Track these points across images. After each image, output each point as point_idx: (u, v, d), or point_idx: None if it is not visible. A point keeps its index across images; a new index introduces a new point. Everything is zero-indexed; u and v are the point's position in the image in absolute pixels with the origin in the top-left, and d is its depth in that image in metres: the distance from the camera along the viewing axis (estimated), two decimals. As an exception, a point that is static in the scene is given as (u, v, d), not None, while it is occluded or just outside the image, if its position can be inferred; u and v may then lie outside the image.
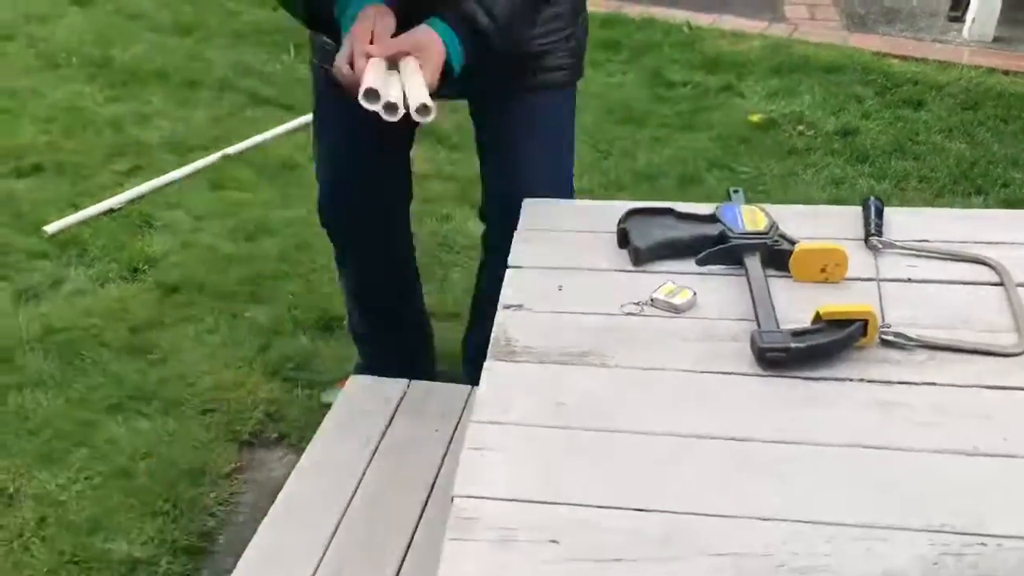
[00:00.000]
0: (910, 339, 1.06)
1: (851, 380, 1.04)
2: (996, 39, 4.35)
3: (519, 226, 1.37)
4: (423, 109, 1.28)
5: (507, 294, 1.22)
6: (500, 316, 1.17)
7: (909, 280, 1.20)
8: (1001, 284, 1.15)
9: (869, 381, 1.04)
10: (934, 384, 1.03)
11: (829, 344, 1.05)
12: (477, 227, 3.02)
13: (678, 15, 4.67)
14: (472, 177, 3.32)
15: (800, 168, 3.38)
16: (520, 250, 1.31)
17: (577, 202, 1.67)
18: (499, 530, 0.88)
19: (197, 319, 2.61)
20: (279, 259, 2.86)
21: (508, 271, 1.27)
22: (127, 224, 3.01)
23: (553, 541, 0.87)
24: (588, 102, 3.70)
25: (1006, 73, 4.05)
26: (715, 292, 1.19)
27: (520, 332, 1.14)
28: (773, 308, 1.11)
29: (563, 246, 1.32)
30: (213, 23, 4.64)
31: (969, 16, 4.40)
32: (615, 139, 3.58)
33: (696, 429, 0.99)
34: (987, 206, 3.11)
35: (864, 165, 3.40)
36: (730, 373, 1.06)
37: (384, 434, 1.60)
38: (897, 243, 1.23)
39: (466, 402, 1.66)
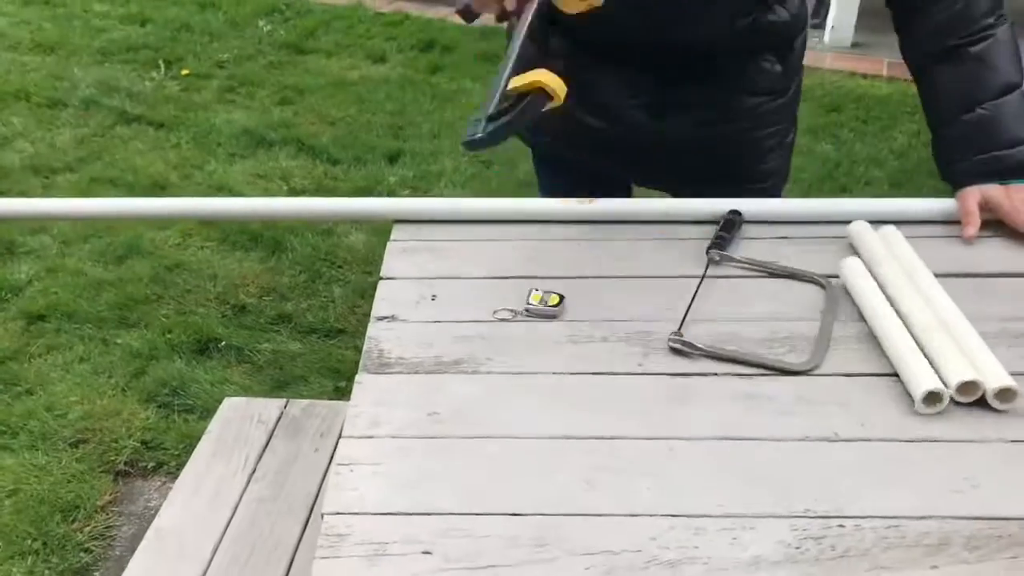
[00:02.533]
0: (696, 348, 1.08)
1: (716, 375, 1.06)
2: (854, 44, 4.56)
3: (390, 240, 1.36)
4: None
5: (379, 306, 1.20)
6: (372, 329, 1.16)
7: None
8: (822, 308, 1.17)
9: (736, 375, 1.06)
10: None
11: (514, 119, 1.07)
12: (359, 240, 3.01)
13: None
14: (353, 190, 3.30)
15: (675, 173, 3.46)
16: (392, 262, 1.30)
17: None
18: (370, 545, 0.86)
19: (65, 347, 2.51)
20: (151, 281, 2.77)
21: (380, 283, 1.26)
22: (-13, 251, 2.87)
23: (426, 552, 0.86)
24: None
25: (864, 77, 4.25)
26: (583, 295, 1.20)
27: (392, 344, 1.13)
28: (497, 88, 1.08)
29: (436, 255, 1.31)
30: (77, 41, 4.47)
31: (829, 23, 4.60)
32: (496, 150, 3.60)
33: (567, 431, 0.99)
34: (851, 204, 3.25)
35: (736, 168, 3.51)
36: (600, 373, 1.07)
37: (262, 455, 1.56)
38: (736, 257, 1.25)
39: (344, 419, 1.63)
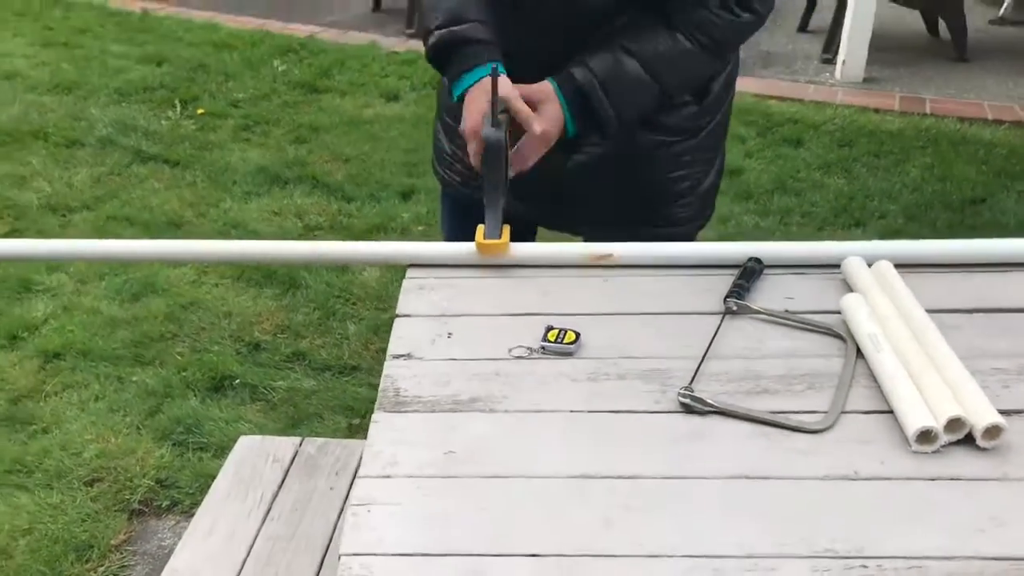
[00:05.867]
0: (706, 404, 1.06)
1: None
2: (866, 79, 4.58)
3: (406, 277, 1.36)
4: None
5: (395, 344, 1.20)
6: (388, 367, 1.16)
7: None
8: (842, 357, 1.15)
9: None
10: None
11: None
12: (372, 277, 3.01)
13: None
14: (367, 227, 3.31)
15: (688, 208, 3.46)
16: (408, 299, 1.30)
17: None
18: (388, 586, 0.86)
19: (81, 385, 2.52)
20: (166, 319, 2.78)
21: (396, 320, 1.26)
22: (3, 289, 2.89)
23: (444, 594, 0.85)
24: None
25: (876, 111, 4.26)
26: (600, 332, 1.20)
27: (408, 382, 1.12)
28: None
29: (452, 292, 1.31)
30: (95, 81, 4.54)
31: (840, 58, 4.62)
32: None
33: (586, 469, 0.98)
34: (867, 237, 3.23)
35: (748, 202, 3.51)
36: (618, 411, 1.07)
37: (277, 494, 1.56)
38: (753, 307, 1.23)
39: (360, 457, 1.62)
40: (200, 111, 4.21)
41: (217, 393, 2.50)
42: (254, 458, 1.63)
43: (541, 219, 1.66)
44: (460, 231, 1.54)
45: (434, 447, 1.02)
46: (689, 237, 1.64)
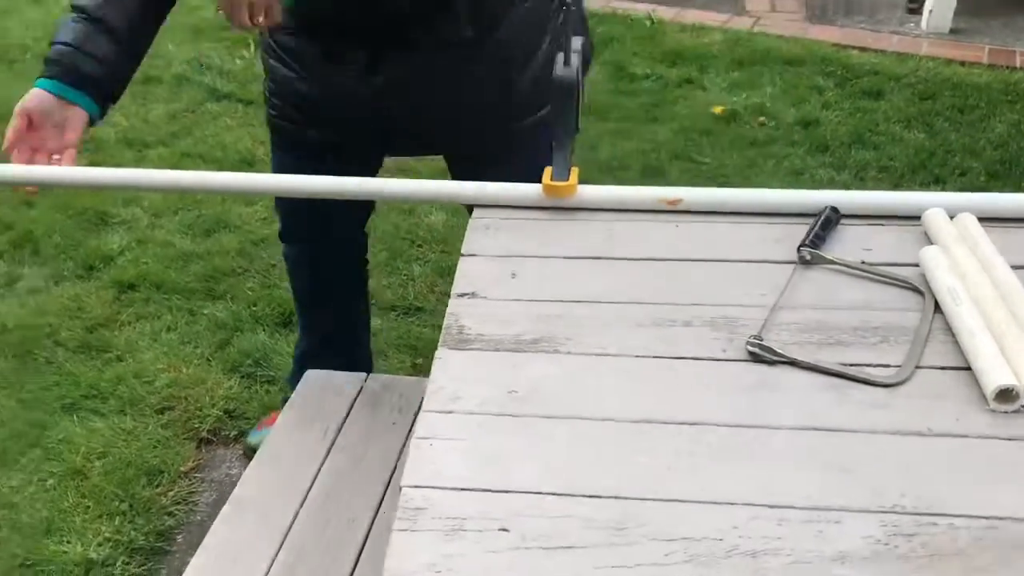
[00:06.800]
0: (775, 353, 1.04)
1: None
2: (953, 30, 4.40)
3: (472, 217, 1.35)
4: None
5: (460, 283, 1.20)
6: (452, 305, 1.16)
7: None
8: (919, 311, 1.11)
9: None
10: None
11: None
12: (439, 220, 3.02)
13: (640, 8, 4.68)
14: (434, 170, 3.31)
15: (761, 159, 3.39)
16: (473, 239, 1.30)
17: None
18: (448, 519, 0.86)
19: (154, 316, 2.58)
20: (237, 255, 2.83)
21: (461, 259, 1.25)
22: (81, 222, 2.97)
23: (503, 529, 0.85)
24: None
25: (962, 64, 4.09)
26: (667, 277, 1.18)
27: (472, 320, 1.12)
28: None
29: (518, 234, 1.30)
30: (171, 18, 4.57)
31: (926, 8, 4.45)
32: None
33: (649, 414, 0.97)
34: (945, 195, 3.14)
35: (824, 155, 3.42)
36: (683, 357, 1.05)
37: (341, 428, 1.58)
38: (828, 257, 1.20)
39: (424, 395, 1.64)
40: (273, 50, 4.23)
41: (285, 328, 2.54)
42: (320, 392, 1.66)
43: (380, 147, 1.76)
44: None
45: (496, 385, 1.02)
46: (523, 159, 1.58)
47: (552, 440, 0.95)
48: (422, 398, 1.55)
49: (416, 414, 1.59)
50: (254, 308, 2.59)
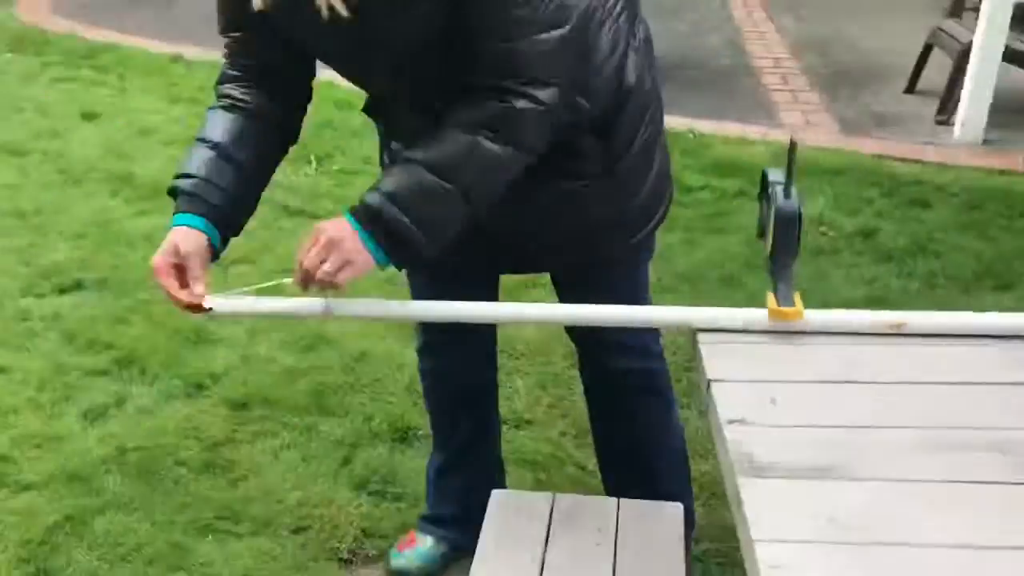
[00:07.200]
0: None
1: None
2: (986, 141, 4.60)
3: (700, 342, 1.41)
4: None
5: (723, 409, 1.25)
6: (728, 431, 1.20)
7: None
8: None
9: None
10: None
11: None
12: (532, 333, 3.07)
13: (679, 122, 4.85)
14: (514, 283, 3.38)
15: (831, 268, 3.50)
16: (714, 363, 1.35)
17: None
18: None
19: (271, 434, 2.59)
20: (341, 370, 2.86)
21: (712, 384, 1.31)
22: (181, 339, 2.99)
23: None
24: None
25: (1002, 173, 4.27)
26: (916, 400, 1.24)
27: (758, 448, 1.17)
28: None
29: (755, 359, 1.36)
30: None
31: (958, 121, 4.65)
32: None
33: (983, 540, 1.01)
34: (1018, 299, 3.24)
35: (890, 264, 3.53)
36: (978, 482, 1.10)
37: (546, 549, 1.60)
38: None
39: (617, 515, 1.67)
40: (335, 167, 4.34)
41: (403, 443, 2.56)
42: (513, 514, 1.68)
43: (498, 266, 1.89)
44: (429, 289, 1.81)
45: (814, 515, 1.06)
46: (633, 267, 1.84)
47: (895, 569, 0.99)
48: (616, 519, 1.59)
49: (615, 535, 1.62)
50: (371, 424, 2.61)
